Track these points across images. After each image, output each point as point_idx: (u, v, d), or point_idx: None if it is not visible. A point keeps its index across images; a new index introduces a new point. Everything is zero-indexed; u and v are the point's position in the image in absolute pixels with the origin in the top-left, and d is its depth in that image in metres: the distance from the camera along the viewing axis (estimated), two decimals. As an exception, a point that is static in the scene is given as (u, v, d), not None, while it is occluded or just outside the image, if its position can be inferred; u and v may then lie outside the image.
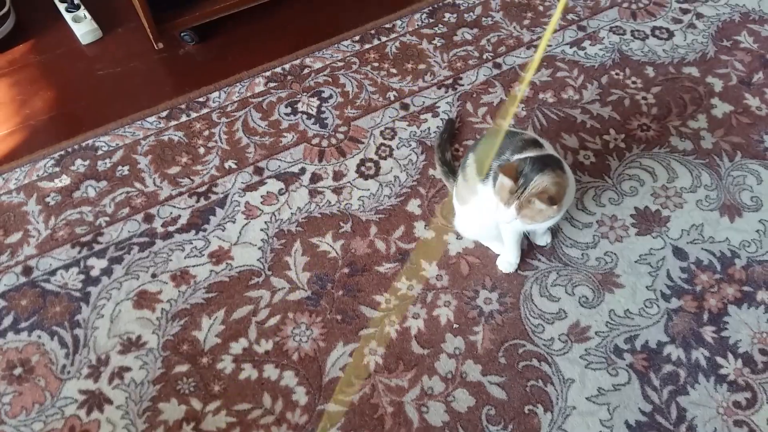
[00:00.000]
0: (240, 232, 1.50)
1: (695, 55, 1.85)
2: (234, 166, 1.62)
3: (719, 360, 1.33)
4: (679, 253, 1.48)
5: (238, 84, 1.78)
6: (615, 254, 1.47)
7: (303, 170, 1.61)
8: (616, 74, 1.81)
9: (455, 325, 1.37)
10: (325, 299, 1.40)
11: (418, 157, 1.64)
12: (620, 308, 1.40)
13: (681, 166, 1.62)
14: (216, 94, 1.76)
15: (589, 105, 1.74)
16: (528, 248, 1.48)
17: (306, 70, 1.82)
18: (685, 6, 1.98)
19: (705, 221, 1.53)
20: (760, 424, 1.25)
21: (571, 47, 1.87)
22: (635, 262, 1.46)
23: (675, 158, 1.63)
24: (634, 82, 1.79)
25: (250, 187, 1.58)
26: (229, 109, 1.73)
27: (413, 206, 1.55)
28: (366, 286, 1.42)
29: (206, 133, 1.68)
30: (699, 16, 1.96)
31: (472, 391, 1.29)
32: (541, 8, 1.98)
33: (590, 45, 1.88)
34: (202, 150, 1.65)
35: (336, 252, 1.47)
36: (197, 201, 1.56)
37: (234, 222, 1.52)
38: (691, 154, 1.64)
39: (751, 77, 1.81)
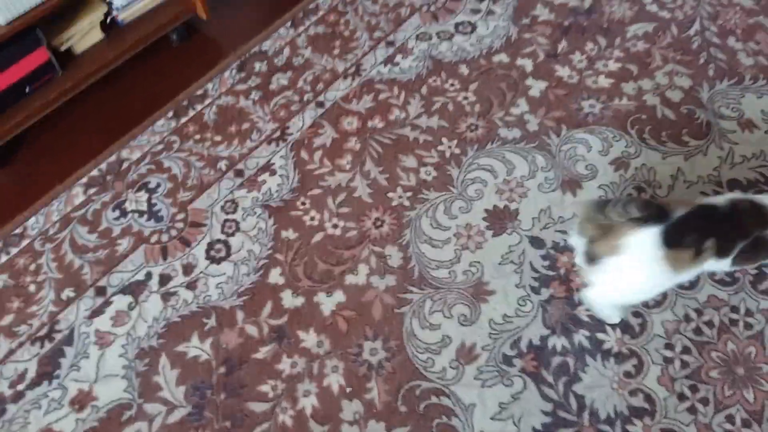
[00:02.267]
0: (97, 367, 1.38)
1: (500, 41, 1.91)
2: (72, 294, 1.48)
3: (600, 336, 1.38)
4: (536, 242, 1.52)
5: (54, 201, 1.64)
6: (479, 263, 1.49)
7: (149, 275, 1.50)
8: (434, 81, 1.83)
9: (348, 389, 1.33)
10: (208, 409, 1.32)
11: (266, 223, 1.58)
12: (498, 315, 1.42)
13: (515, 155, 1.67)
14: (33, 220, 1.61)
15: (416, 120, 1.75)
16: (399, 282, 1.46)
17: (125, 165, 1.70)
18: (479, -5, 2.04)
19: (551, 203, 1.58)
20: (653, 386, 1.31)
21: (385, 66, 1.88)
22: (499, 264, 1.49)
23: (508, 150, 1.68)
24: (452, 85, 1.82)
25: (96, 312, 1.45)
26: (51, 232, 1.58)
27: (275, 277, 1.49)
28: (248, 379, 1.35)
29: (32, 267, 1.53)
30: (494, 0, 2.02)
31: (383, 451, 1.26)
32: (346, 33, 1.97)
33: (402, 58, 1.89)
34: (32, 287, 1.50)
35: (207, 353, 1.39)
36: (41, 346, 1.41)
37: (88, 357, 1.39)
38: (522, 141, 1.70)
39: (556, 48, 1.89)
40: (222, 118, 1.78)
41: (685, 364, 1.34)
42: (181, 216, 1.60)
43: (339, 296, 1.45)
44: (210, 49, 2.00)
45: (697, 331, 1.38)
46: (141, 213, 1.60)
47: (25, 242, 1.57)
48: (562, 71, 1.83)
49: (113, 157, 1.71)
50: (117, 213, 1.61)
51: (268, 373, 1.35)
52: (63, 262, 1.53)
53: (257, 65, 1.90)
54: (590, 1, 1.98)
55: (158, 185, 1.65)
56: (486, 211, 1.57)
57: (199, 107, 1.81)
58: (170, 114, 1.80)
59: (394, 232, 1.54)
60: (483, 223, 1.55)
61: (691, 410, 1.29)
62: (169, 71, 1.93)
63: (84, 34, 1.78)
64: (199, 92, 1.85)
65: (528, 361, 1.36)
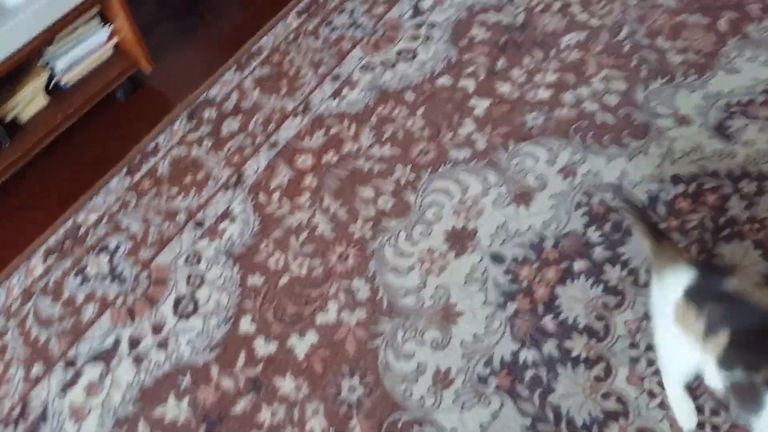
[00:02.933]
0: (76, 440, 1.37)
1: (442, 64, 1.96)
2: (42, 369, 1.47)
3: (567, 344, 1.42)
4: (497, 257, 1.56)
5: (14, 274, 1.62)
6: (444, 286, 1.53)
7: (118, 340, 1.49)
8: (382, 110, 1.87)
9: (331, 430, 1.34)
10: (193, 469, 1.32)
11: (232, 271, 1.59)
12: (468, 336, 1.45)
13: (467, 174, 1.71)
14: (-8, 296, 1.58)
15: (369, 150, 1.78)
16: (369, 314, 1.49)
17: (83, 229, 1.69)
18: (417, 21, 2.09)
19: (506, 218, 1.62)
20: (623, 387, 1.36)
21: (333, 99, 1.91)
22: (465, 284, 1.52)
23: (460, 170, 1.72)
24: (400, 112, 1.86)
25: (68, 385, 1.44)
26: (13, 307, 1.56)
27: (246, 325, 1.50)
28: (229, 433, 1.35)
29: (-3, 346, 1.51)
30: (432, 26, 2.07)
31: (371, 488, 1.28)
32: (291, 72, 2.00)
33: (349, 91, 1.93)
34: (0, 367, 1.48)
35: (185, 413, 1.38)
36: (15, 428, 1.39)
37: (65, 432, 1.38)
38: (472, 160, 1.74)
39: (495, 66, 1.95)
40: (176, 170, 1.79)
41: (650, 362, 1.39)
42: (144, 275, 1.59)
43: (312, 337, 1.47)
44: (157, 102, 2.00)
45: (659, 327, 1.43)
46: (103, 276, 1.60)
47: (-13, 321, 1.55)
48: (503, 87, 1.89)
49: (69, 222, 1.70)
50: (79, 279, 1.60)
51: (250, 426, 1.36)
52: (29, 337, 1.51)
53: (206, 112, 1.91)
54: (522, 16, 2.05)
55: (118, 246, 1.65)
56: (446, 232, 1.61)
57: (152, 161, 1.81)
58: (124, 172, 1.80)
59: (360, 265, 1.57)
60: (444, 245, 1.59)
61: (662, 406, 1.34)
62: (118, 128, 1.93)
63: (28, 101, 1.77)
64: (150, 146, 1.85)
65: (502, 378, 1.39)
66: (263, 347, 1.46)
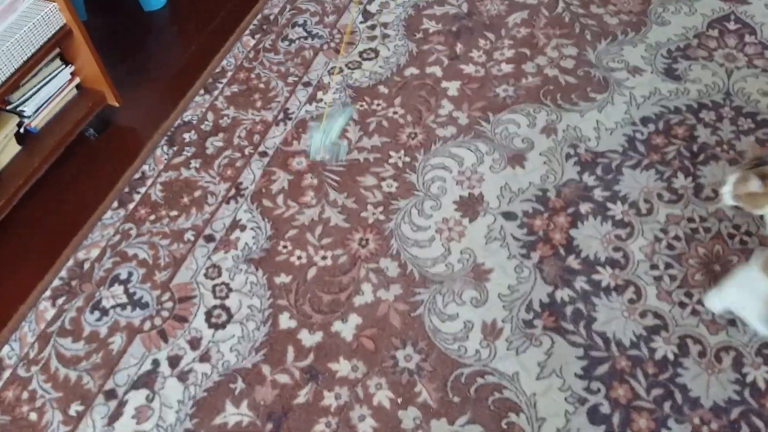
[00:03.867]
0: (140, 468, 1.29)
1: (405, 58, 2.05)
2: (80, 407, 1.38)
3: (595, 277, 1.51)
4: (508, 215, 1.64)
5: (23, 324, 1.52)
6: (468, 249, 1.58)
7: (156, 362, 1.44)
8: (361, 106, 1.93)
9: (399, 400, 1.35)
10: (272, 466, 1.28)
11: (257, 275, 1.57)
12: (503, 288, 1.51)
13: (460, 148, 1.79)
14: (6, 348, 1.48)
15: (360, 143, 1.83)
16: (404, 288, 1.51)
17: (86, 265, 1.62)
18: (369, 23, 2.18)
19: (506, 179, 1.71)
20: (655, 304, 1.45)
21: (310, 104, 1.95)
22: (486, 244, 1.59)
23: (452, 145, 1.80)
24: (379, 104, 1.93)
25: (114, 417, 1.37)
26: (31, 354, 1.47)
27: (286, 321, 1.48)
28: (299, 426, 1.33)
29: (25, 395, 1.41)
30: (384, 26, 2.17)
31: (454, 443, 1.29)
32: (261, 86, 2.02)
33: (323, 94, 1.97)
34: (34, 416, 1.38)
35: (248, 415, 1.35)
36: (68, 471, 1.30)
37: (125, 463, 1.30)
38: (459, 135, 1.82)
39: (455, 51, 2.06)
40: (170, 194, 1.76)
41: (673, 278, 1.50)
42: (166, 296, 1.55)
43: (354, 319, 1.47)
44: (129, 136, 1.97)
45: (670, 246, 1.55)
46: (123, 306, 1.54)
47: (6, 373, 1.44)
48: (469, 68, 2.00)
49: (71, 262, 1.63)
50: (97, 314, 1.53)
51: (317, 413, 1.34)
52: (58, 378, 1.42)
53: (186, 136, 1.90)
54: (466, 5, 2.19)
55: (130, 274, 1.59)
56: (455, 202, 1.67)
57: (142, 190, 1.77)
58: (115, 204, 1.74)
59: (382, 246, 1.60)
60: (457, 213, 1.65)
61: (694, 313, 1.44)
62: (97, 165, 1.87)
63: (1, 150, 1.69)
64: (137, 176, 1.81)
65: (546, 319, 1.45)
66: (309, 338, 1.45)
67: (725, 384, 1.34)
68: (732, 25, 2.04)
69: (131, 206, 1.74)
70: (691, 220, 1.59)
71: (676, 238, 1.56)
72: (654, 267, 1.52)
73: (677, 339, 1.40)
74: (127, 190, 1.78)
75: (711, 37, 2.00)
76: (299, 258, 1.59)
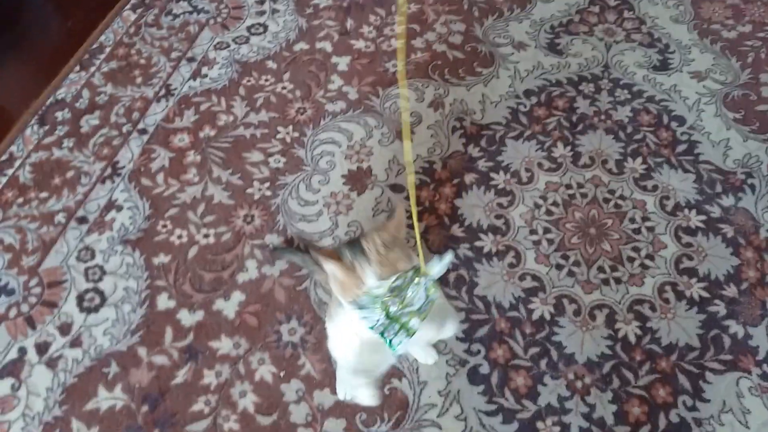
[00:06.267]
0: (0, 462, 1.21)
1: (295, 33, 2.02)
2: (-65, 403, 1.28)
3: (478, 244, 1.54)
4: (395, 187, 1.64)
5: None
6: (355, 221, 1.57)
7: (23, 350, 1.35)
8: (248, 81, 1.87)
9: (282, 373, 1.33)
10: (147, 450, 1.23)
11: (133, 257, 1.50)
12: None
13: (348, 123, 1.78)
14: None
15: (246, 119, 1.78)
16: (289, 268, 1.48)
17: (-57, 253, 1.50)
18: (257, -2, 2.12)
19: (395, 152, 1.71)
20: (534, 267, 1.49)
21: (194, 80, 1.88)
22: (374, 216, 1.58)
23: (340, 120, 1.78)
24: (267, 80, 1.88)
25: (-26, 410, 1.27)
26: None
27: (164, 302, 1.42)
28: (176, 406, 1.28)
29: None
30: (274, 0, 2.11)
31: (338, 413, 1.28)
32: (142, 61, 1.93)
33: (209, 69, 1.91)
34: None
35: (122, 399, 1.29)
36: None
37: (-16, 458, 1.21)
38: (349, 110, 1.81)
39: (345, 27, 2.04)
40: (40, 175, 1.65)
41: (550, 241, 1.55)
42: (34, 281, 1.45)
43: (238, 296, 1.44)
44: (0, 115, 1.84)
45: (548, 212, 1.60)
46: (-15, 294, 1.43)
47: None
48: (359, 44, 1.99)
49: (-75, 250, 1.50)
50: (-45, 304, 1.41)
51: (196, 392, 1.30)
52: None
53: (59, 114, 1.79)
54: (358, -19, 2.17)
55: (-6, 261, 1.48)
56: (343, 176, 1.66)
57: (9, 172, 1.65)
58: (-23, 188, 1.62)
59: (268, 222, 1.56)
60: (345, 187, 1.63)
61: (570, 274, 1.50)
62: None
63: None
64: (4, 157, 1.68)
65: (430, 286, 1.46)
66: (189, 318, 1.40)
67: (598, 340, 1.40)
68: (612, 1, 2.12)
69: (-4, 189, 1.62)
70: (569, 186, 1.65)
71: (555, 204, 1.62)
72: (533, 232, 1.56)
73: (554, 299, 1.45)
74: (-9, 172, 1.65)
75: (592, 13, 2.08)
76: (180, 237, 1.53)
